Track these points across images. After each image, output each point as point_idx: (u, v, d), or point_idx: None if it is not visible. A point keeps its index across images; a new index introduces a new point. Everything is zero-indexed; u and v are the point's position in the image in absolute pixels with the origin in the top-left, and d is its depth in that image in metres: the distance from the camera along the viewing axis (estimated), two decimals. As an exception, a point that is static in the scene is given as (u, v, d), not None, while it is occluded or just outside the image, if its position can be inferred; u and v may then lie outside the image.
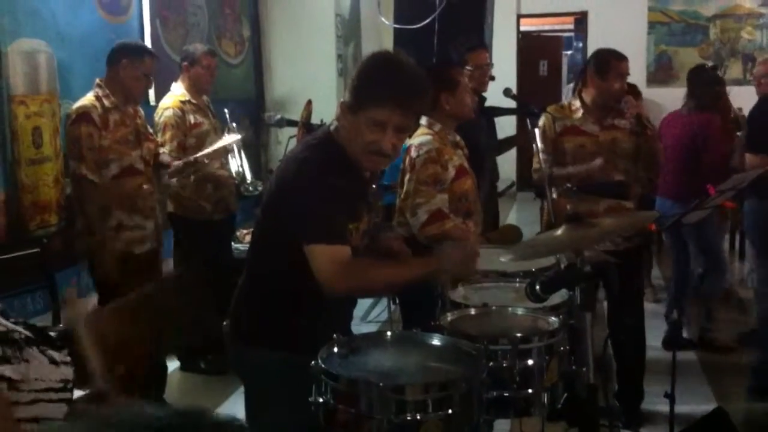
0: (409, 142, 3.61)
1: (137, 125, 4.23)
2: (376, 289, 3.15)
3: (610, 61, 3.98)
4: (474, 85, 4.58)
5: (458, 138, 3.67)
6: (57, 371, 1.60)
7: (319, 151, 2.38)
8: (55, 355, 1.63)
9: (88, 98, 4.02)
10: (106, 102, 4.03)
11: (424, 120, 3.62)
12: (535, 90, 11.41)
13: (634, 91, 4.69)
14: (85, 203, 3.96)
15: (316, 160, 2.35)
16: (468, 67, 4.54)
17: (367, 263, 2.41)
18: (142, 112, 4.43)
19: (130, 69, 4.06)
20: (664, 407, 3.81)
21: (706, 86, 5.29)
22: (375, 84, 2.31)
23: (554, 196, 3.93)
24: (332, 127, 2.46)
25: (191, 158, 4.49)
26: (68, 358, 1.64)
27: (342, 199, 2.30)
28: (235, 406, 4.42)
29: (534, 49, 12.59)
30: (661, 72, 10.83)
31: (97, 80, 4.09)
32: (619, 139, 3.99)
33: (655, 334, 4.65)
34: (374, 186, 2.57)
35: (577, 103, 4.08)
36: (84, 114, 3.95)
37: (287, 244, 2.30)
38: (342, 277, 2.25)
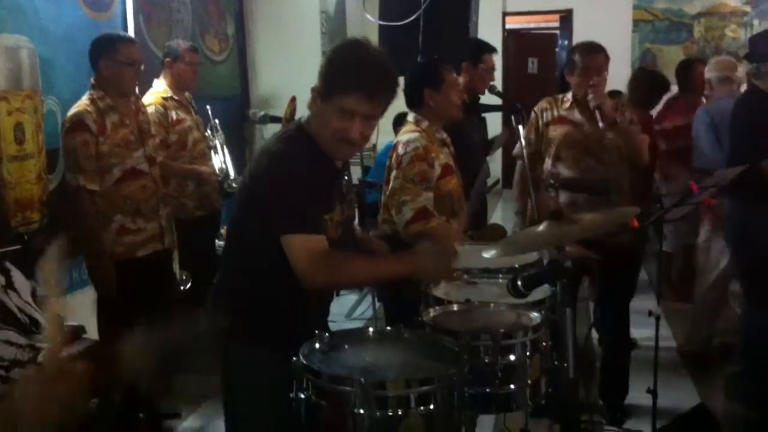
0: (396, 138, 3.61)
1: (139, 122, 4.13)
2: (353, 283, 3.17)
3: (576, 56, 4.03)
4: (479, 85, 4.76)
5: (445, 136, 3.67)
6: None
7: (290, 143, 2.41)
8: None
9: (82, 103, 3.91)
10: (101, 104, 3.92)
11: (411, 117, 3.62)
12: (523, 87, 11.40)
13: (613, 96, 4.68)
14: (84, 214, 3.84)
15: (287, 153, 2.37)
16: (482, 66, 4.82)
17: (345, 256, 2.42)
18: (145, 107, 4.36)
19: (108, 64, 3.95)
20: (647, 402, 3.84)
21: (641, 85, 5.63)
22: (343, 72, 2.34)
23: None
24: (303, 119, 2.49)
25: None
26: (13, 338, 1.63)
27: (315, 190, 2.32)
28: (212, 409, 4.40)
29: (522, 47, 12.58)
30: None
31: (92, 80, 4.01)
32: (606, 131, 3.95)
33: (638, 330, 4.66)
34: (346, 177, 2.59)
35: (569, 96, 4.11)
36: (78, 122, 3.83)
37: (262, 238, 2.31)
38: (319, 268, 2.26)
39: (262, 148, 2.55)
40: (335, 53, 2.44)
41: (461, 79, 4.54)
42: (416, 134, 3.50)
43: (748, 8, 10.78)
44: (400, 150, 3.47)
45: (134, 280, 3.93)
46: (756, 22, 10.76)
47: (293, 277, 2.25)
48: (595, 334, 4.31)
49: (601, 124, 3.84)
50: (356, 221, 2.86)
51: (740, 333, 4.35)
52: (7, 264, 1.92)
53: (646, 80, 5.76)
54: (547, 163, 4.10)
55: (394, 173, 3.47)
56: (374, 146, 7.08)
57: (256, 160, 2.45)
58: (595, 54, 3.99)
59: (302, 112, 5.20)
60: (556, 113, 4.12)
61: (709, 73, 5.30)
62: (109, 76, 3.97)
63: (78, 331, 4.03)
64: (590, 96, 3.87)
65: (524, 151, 3.85)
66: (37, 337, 1.70)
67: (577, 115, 4.05)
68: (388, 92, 2.40)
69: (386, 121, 3.46)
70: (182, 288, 4.45)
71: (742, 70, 5.25)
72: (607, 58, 4.00)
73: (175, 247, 4.34)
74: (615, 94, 4.93)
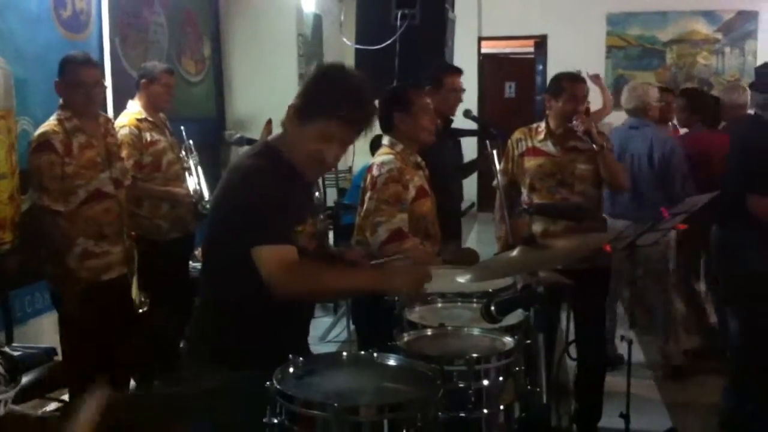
0: (371, 160, 3.63)
1: (107, 144, 4.11)
2: (325, 293, 3.17)
3: (563, 83, 4.09)
4: (445, 108, 4.67)
5: (419, 159, 3.70)
6: None
7: (259, 158, 2.43)
8: None
9: (50, 123, 3.90)
10: (68, 125, 3.90)
11: (386, 140, 3.65)
12: (500, 112, 11.50)
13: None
14: (50, 234, 3.82)
15: (257, 168, 2.39)
16: (445, 88, 4.65)
17: (317, 266, 2.44)
18: (115, 130, 4.35)
19: (65, 86, 3.95)
20: (619, 426, 3.85)
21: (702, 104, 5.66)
22: (324, 97, 2.37)
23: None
24: (271, 138, 2.53)
25: None
26: None
27: (285, 203, 2.34)
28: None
29: (499, 71, 12.67)
30: (618, 95, 10.96)
31: (60, 101, 3.98)
32: (577, 161, 4.04)
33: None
34: (317, 192, 2.62)
35: (542, 125, 4.17)
36: (44, 142, 3.81)
37: (237, 256, 2.30)
38: (289, 277, 2.26)
39: (231, 165, 2.57)
40: (320, 77, 2.46)
41: None
42: (391, 156, 3.52)
43: (719, 36, 10.96)
44: (375, 172, 3.49)
45: (99, 303, 3.90)
46: (727, 49, 10.95)
47: (271, 295, 2.25)
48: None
49: (595, 147, 3.92)
50: (331, 241, 2.88)
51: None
52: None
53: (707, 99, 5.84)
54: (524, 193, 4.16)
55: (368, 194, 3.49)
56: (350, 168, 7.09)
57: (227, 177, 2.48)
58: (580, 82, 4.16)
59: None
60: (530, 143, 4.18)
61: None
62: (67, 98, 3.97)
63: (48, 353, 4.02)
64: (576, 122, 3.94)
65: (499, 179, 3.88)
66: None
67: (550, 147, 4.10)
68: (369, 121, 2.44)
69: (362, 143, 3.48)
70: (140, 311, 4.41)
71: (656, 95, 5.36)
72: (587, 89, 4.20)
73: (135, 270, 4.32)
74: None
